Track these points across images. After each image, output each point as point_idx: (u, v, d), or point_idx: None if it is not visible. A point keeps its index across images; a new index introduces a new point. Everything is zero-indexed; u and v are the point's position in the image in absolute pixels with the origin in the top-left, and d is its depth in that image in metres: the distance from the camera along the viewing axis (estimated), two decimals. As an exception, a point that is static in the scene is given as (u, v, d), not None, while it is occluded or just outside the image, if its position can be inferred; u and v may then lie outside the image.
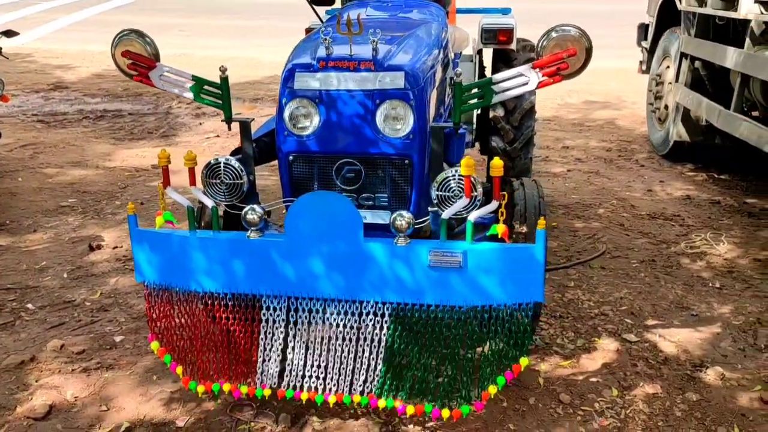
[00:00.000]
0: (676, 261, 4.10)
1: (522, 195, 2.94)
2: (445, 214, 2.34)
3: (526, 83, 2.45)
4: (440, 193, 2.44)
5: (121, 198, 5.15)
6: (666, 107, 6.11)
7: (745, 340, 3.25)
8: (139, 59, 2.60)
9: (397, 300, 2.35)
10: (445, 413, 2.41)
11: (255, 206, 2.39)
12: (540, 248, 2.27)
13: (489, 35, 4.15)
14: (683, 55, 5.52)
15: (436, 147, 2.57)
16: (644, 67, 6.91)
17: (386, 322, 2.38)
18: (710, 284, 3.81)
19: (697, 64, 5.43)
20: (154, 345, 2.58)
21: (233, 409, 2.73)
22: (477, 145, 4.54)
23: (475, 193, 2.37)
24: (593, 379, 2.93)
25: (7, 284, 3.84)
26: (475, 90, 2.52)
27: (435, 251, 2.28)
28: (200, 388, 2.56)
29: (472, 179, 2.33)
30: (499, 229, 2.31)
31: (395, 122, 2.58)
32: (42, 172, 5.67)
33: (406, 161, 2.63)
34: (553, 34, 2.47)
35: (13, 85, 8.62)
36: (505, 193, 2.32)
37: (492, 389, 2.42)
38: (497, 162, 2.26)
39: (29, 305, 3.61)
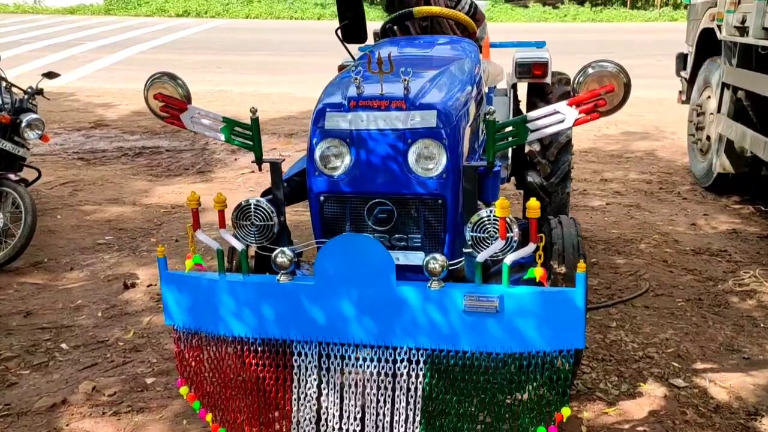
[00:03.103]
0: (724, 299, 3.93)
1: (560, 234, 2.84)
2: (480, 256, 2.26)
3: (562, 120, 2.37)
4: (475, 234, 2.36)
5: (157, 235, 5.18)
6: (708, 138, 5.95)
7: (801, 386, 3.07)
8: (171, 102, 2.61)
9: (431, 346, 2.26)
10: None
11: (285, 249, 2.34)
12: (580, 292, 2.17)
13: (523, 69, 4.09)
14: (725, 86, 5.38)
15: (469, 187, 2.50)
16: (684, 97, 6.79)
17: (421, 369, 2.29)
18: (761, 324, 3.63)
19: (740, 94, 5.28)
20: (184, 390, 2.53)
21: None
22: (513, 179, 4.45)
23: (511, 234, 2.29)
24: (640, 429, 2.78)
25: (43, 323, 3.86)
26: (509, 128, 2.46)
27: (470, 295, 2.20)
28: None
29: (507, 220, 2.25)
30: (537, 272, 2.22)
31: (428, 161, 2.52)
32: (80, 209, 5.75)
33: (440, 201, 2.56)
34: (590, 70, 2.39)
35: (56, 123, 8.85)
36: (542, 235, 2.23)
37: (532, 441, 2.31)
38: (534, 203, 2.17)
39: (63, 345, 3.62)
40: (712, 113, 5.83)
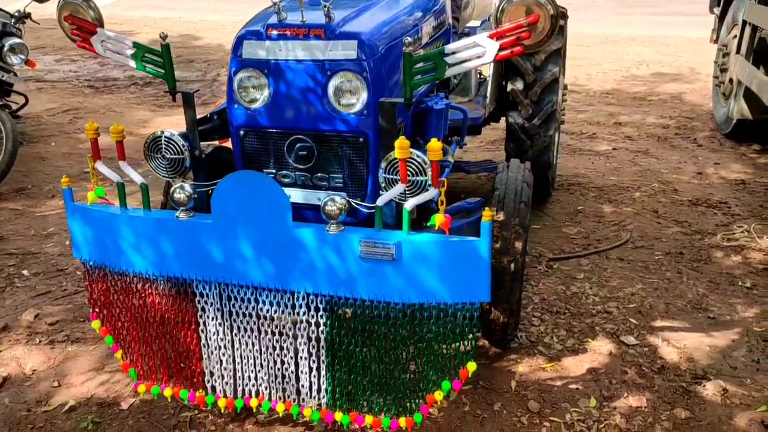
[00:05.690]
0: (706, 254, 3.67)
1: (504, 179, 2.66)
2: (380, 200, 2.10)
3: (482, 54, 2.15)
4: (387, 176, 2.20)
5: (144, 166, 5.13)
6: (731, 81, 5.52)
7: (762, 350, 2.85)
8: (81, 24, 2.47)
9: (329, 292, 2.14)
10: (402, 422, 2.22)
11: (185, 185, 2.23)
12: (485, 242, 2.00)
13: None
14: (745, 24, 4.93)
15: (385, 125, 2.31)
16: (715, 37, 6.29)
17: (322, 316, 2.18)
18: (739, 283, 3.39)
19: (764, 33, 4.83)
20: (95, 324, 2.49)
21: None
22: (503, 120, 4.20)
23: (424, 178, 2.12)
24: (572, 386, 2.63)
25: (11, 249, 3.89)
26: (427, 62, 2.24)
27: (366, 241, 2.05)
28: (141, 388, 2.46)
29: (414, 163, 2.08)
30: (438, 219, 2.05)
31: (348, 96, 2.35)
32: (76, 137, 5.75)
33: (361, 139, 2.40)
34: (515, -1, 2.14)
35: (74, 50, 8.85)
36: (444, 179, 2.05)
37: (438, 395, 2.20)
38: (435, 144, 1.99)
39: (25, 271, 3.64)
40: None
